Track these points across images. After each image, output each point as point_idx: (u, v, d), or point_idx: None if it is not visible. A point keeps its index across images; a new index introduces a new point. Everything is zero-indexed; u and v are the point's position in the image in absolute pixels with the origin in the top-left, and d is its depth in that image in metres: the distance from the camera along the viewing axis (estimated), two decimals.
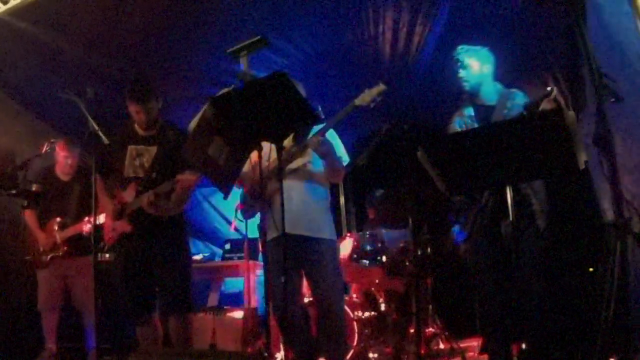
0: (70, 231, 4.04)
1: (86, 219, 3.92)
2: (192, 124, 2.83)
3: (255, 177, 2.92)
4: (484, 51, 3.04)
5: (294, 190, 3.00)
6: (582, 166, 2.19)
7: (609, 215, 3.03)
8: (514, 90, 3.05)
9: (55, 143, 4.21)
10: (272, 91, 2.37)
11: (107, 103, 4.41)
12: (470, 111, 3.04)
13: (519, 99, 2.95)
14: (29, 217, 4.22)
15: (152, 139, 3.31)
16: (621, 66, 2.99)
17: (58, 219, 4.10)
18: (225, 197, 2.62)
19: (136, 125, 3.34)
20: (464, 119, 3.04)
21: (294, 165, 3.05)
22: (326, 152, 2.97)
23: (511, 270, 2.74)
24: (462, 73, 3.01)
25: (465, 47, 3.03)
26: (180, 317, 3.22)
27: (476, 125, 2.97)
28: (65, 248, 4.05)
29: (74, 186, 4.19)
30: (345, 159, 3.15)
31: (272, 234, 2.98)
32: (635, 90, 2.89)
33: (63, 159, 4.20)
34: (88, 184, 3.94)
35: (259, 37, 2.51)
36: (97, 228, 3.30)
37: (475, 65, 2.99)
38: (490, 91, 3.03)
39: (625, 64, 3.05)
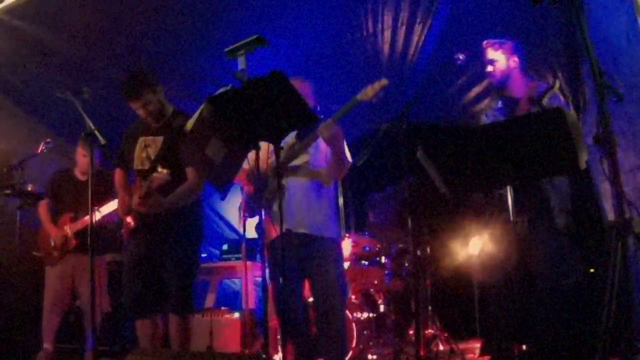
0: (79, 224, 4.06)
1: (95, 207, 3.94)
2: (190, 123, 2.80)
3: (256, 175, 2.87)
4: (511, 44, 2.98)
5: (297, 188, 2.97)
6: (583, 166, 2.18)
7: (610, 215, 3.02)
8: (539, 82, 3.00)
9: (51, 143, 4.18)
10: (270, 91, 2.35)
11: (104, 102, 4.38)
12: (499, 104, 3.02)
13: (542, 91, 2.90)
14: (43, 210, 4.23)
15: (160, 130, 3.25)
16: (614, 67, 2.99)
17: (70, 214, 4.11)
18: (223, 198, 2.59)
19: None
20: (492, 113, 3.02)
21: (296, 162, 3.02)
22: (334, 137, 2.87)
23: (520, 270, 2.70)
24: (488, 68, 2.96)
25: (492, 40, 2.97)
26: (179, 317, 3.17)
27: (502, 119, 2.93)
28: (75, 242, 4.06)
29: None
30: (348, 159, 3.09)
31: (273, 234, 2.95)
32: (628, 91, 2.88)
33: (82, 157, 4.18)
34: (102, 182, 3.94)
35: (256, 36, 2.48)
36: (96, 228, 3.26)
37: (502, 58, 2.95)
38: (519, 84, 2.97)
39: (618, 65, 3.04)
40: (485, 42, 2.99)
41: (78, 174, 4.26)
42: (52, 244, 4.13)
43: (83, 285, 4.09)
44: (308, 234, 2.96)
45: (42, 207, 4.27)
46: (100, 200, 3.89)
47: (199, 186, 3.20)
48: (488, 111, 3.06)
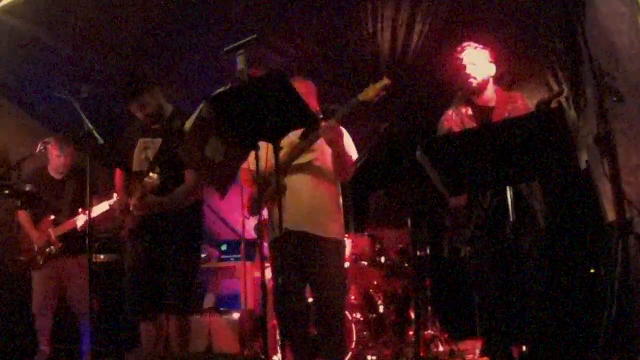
0: (64, 227, 4.01)
1: (80, 210, 3.91)
2: (189, 123, 2.79)
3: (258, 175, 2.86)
4: (489, 50, 2.97)
5: (300, 186, 2.95)
6: (583, 166, 2.17)
7: (611, 215, 3.01)
8: (513, 92, 3.00)
9: (48, 142, 4.17)
10: (270, 91, 2.34)
11: (102, 102, 4.37)
12: (468, 111, 2.99)
13: (520, 102, 2.91)
14: (23, 217, 4.18)
15: (159, 131, 3.23)
16: (615, 67, 2.98)
17: (52, 217, 4.06)
18: (222, 198, 2.58)
19: None
20: (460, 117, 2.98)
21: (300, 160, 2.99)
22: (334, 139, 2.84)
23: (513, 271, 2.72)
24: (470, 68, 2.93)
25: (474, 44, 2.95)
26: (179, 318, 3.15)
27: (474, 126, 2.92)
28: (60, 245, 4.02)
29: (68, 184, 4.15)
30: (354, 156, 3.07)
31: (274, 233, 2.94)
32: (630, 92, 2.87)
33: (55, 157, 4.16)
34: (82, 182, 3.91)
35: (254, 35, 2.48)
36: (91, 228, 3.24)
37: (484, 62, 2.94)
38: (491, 92, 2.98)
39: (619, 65, 3.03)
40: (465, 43, 2.95)
41: (53, 172, 4.21)
42: (36, 248, 4.07)
43: (71, 288, 4.07)
44: (308, 233, 2.94)
45: (22, 214, 4.19)
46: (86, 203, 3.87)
47: (197, 188, 3.19)
48: (453, 115, 2.98)
